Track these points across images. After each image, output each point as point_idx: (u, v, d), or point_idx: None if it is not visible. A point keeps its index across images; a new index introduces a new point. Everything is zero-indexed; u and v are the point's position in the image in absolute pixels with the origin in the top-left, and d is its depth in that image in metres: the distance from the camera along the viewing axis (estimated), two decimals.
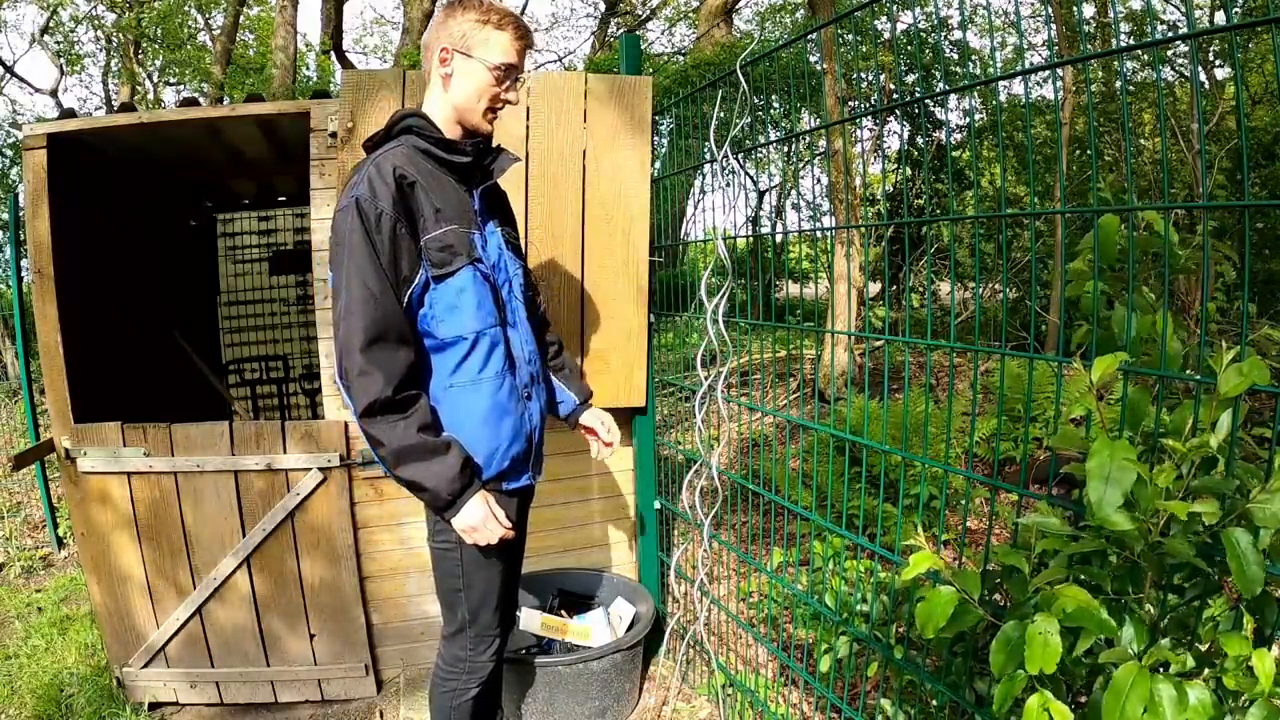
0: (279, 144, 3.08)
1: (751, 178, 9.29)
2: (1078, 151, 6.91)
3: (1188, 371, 1.18)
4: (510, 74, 1.57)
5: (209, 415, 3.01)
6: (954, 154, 7.98)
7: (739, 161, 2.09)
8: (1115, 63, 5.66)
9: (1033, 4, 9.01)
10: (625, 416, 2.72)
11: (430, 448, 1.51)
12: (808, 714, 2.35)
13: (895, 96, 6.65)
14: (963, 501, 1.91)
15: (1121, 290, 1.26)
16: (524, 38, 1.57)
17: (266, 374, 4.99)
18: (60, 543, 4.17)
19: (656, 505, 2.76)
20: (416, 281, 1.53)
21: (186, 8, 11.30)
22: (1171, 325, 1.18)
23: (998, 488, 1.45)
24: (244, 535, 2.45)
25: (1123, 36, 6.63)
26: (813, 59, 7.07)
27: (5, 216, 4.51)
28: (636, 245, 2.47)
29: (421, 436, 1.50)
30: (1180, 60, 7.42)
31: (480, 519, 1.56)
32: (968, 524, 3.71)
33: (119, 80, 12.96)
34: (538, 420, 1.75)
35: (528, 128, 2.35)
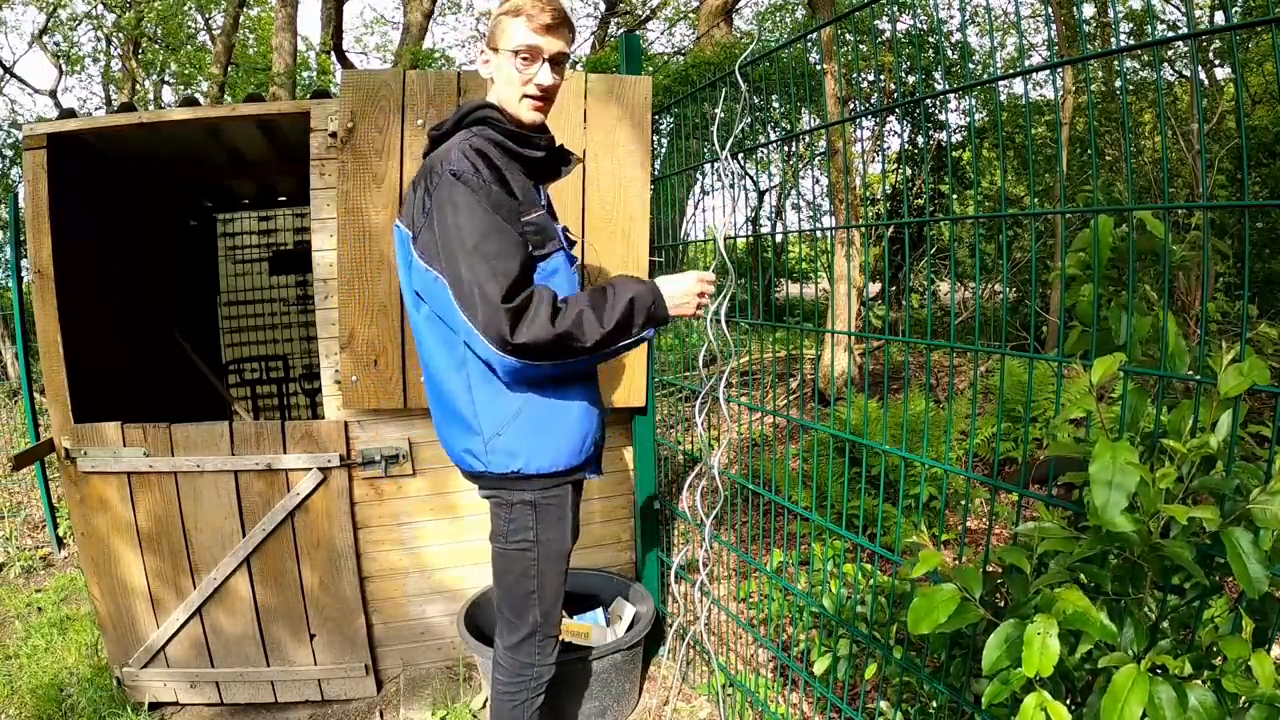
0: (279, 144, 3.08)
1: (751, 178, 9.28)
2: (1078, 151, 6.91)
3: (1188, 371, 1.18)
4: (533, 56, 1.53)
5: (209, 415, 3.01)
6: (954, 154, 7.98)
7: (739, 162, 2.09)
8: (1115, 63, 5.65)
9: (1033, 4, 9.01)
10: (625, 416, 2.73)
11: (599, 298, 1.49)
12: (808, 714, 2.35)
13: (895, 96, 6.65)
14: (963, 502, 1.91)
15: (1118, 291, 1.26)
16: (536, 15, 1.51)
17: (266, 374, 4.99)
18: (60, 543, 4.17)
19: (657, 505, 2.76)
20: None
21: (186, 8, 11.29)
22: (1174, 325, 1.17)
23: (998, 488, 1.45)
24: (244, 535, 2.45)
25: (1123, 36, 6.63)
26: (813, 59, 7.06)
27: (5, 216, 4.51)
28: (636, 245, 2.47)
29: (588, 299, 1.48)
30: (1180, 60, 7.42)
31: (693, 280, 1.59)
32: (968, 524, 3.71)
33: (119, 80, 12.96)
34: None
35: None
